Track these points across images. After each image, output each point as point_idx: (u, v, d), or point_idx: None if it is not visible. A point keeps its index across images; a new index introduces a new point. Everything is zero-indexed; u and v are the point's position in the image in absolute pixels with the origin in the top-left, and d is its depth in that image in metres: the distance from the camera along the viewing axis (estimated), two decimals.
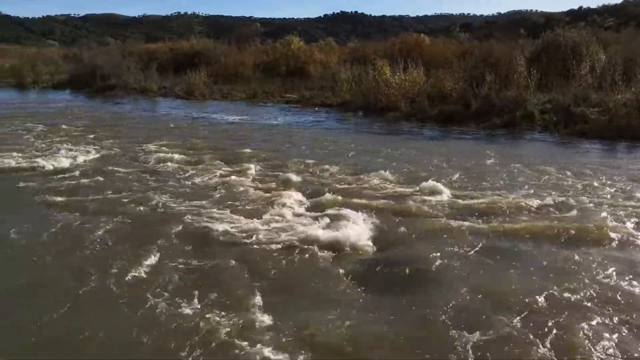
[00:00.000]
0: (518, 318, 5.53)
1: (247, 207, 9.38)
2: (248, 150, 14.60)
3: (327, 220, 8.51)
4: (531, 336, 5.19)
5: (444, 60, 27.40)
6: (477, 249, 7.50)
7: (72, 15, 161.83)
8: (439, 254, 7.26)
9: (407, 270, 6.80)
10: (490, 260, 7.12)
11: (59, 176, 11.56)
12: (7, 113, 22.56)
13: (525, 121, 18.93)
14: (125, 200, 9.76)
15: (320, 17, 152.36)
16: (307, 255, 7.27)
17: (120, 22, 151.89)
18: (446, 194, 10.08)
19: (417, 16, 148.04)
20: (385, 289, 6.34)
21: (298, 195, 9.98)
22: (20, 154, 13.60)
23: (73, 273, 6.62)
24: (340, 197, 9.83)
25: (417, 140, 16.93)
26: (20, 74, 38.05)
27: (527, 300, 5.90)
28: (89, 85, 34.02)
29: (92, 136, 16.72)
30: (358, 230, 8.09)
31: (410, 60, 24.57)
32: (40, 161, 12.74)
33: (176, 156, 13.57)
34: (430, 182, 10.68)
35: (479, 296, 6.04)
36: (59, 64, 42.37)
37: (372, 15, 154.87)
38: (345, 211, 8.90)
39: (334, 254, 7.31)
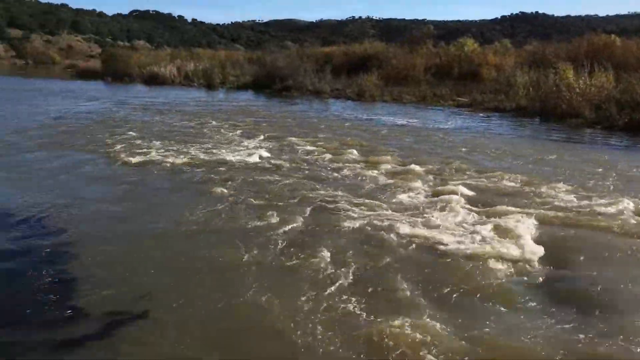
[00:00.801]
0: None
1: (415, 211, 9.47)
2: (418, 154, 14.66)
3: (498, 228, 8.28)
4: None
5: (638, 63, 24.73)
6: None
7: (257, 21, 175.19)
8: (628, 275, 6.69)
9: (595, 290, 6.38)
10: None
11: (240, 169, 12.68)
12: (195, 110, 25.21)
13: None
14: (296, 198, 10.39)
15: (496, 18, 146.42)
16: (475, 264, 7.15)
17: (299, 27, 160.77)
18: (629, 210, 9.21)
19: (607, 15, 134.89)
20: (564, 303, 6.03)
21: (466, 203, 9.82)
22: (202, 147, 15.14)
23: (256, 263, 7.28)
24: (512, 207, 9.48)
25: (601, 151, 15.59)
26: (210, 76, 42.10)
27: None
28: (269, 86, 36.60)
29: (267, 134, 17.98)
30: (531, 242, 7.76)
31: (598, 64, 22.60)
32: (223, 154, 14.12)
33: (349, 156, 14.08)
34: (617, 198, 9.82)
35: None
36: (244, 66, 46.08)
37: (555, 15, 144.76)
38: (517, 221, 8.57)
39: (505, 265, 7.10)
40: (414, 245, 7.86)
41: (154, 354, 5.10)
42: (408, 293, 6.29)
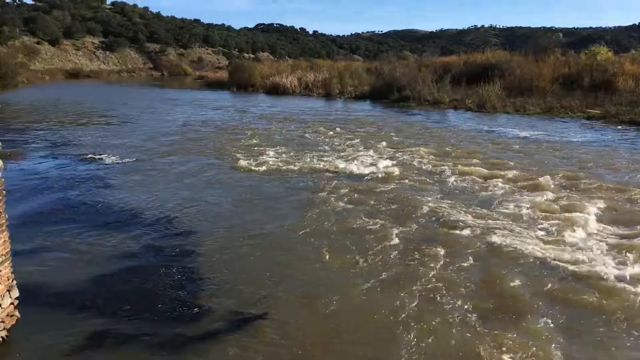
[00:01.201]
0: None
1: (542, 227, 8.91)
2: (545, 167, 13.83)
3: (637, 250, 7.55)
4: None
5: None
6: None
7: (376, 32, 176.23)
8: None
9: None
10: None
11: (355, 177, 12.71)
12: (314, 119, 25.75)
13: None
14: (412, 207, 10.19)
15: (634, 24, 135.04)
16: (610, 288, 6.57)
17: (418, 37, 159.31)
18: None
19: None
20: None
21: (599, 224, 9.06)
22: (319, 155, 15.37)
23: (368, 268, 7.24)
24: None
25: None
26: (329, 86, 42.86)
27: None
28: (386, 96, 36.52)
29: (384, 143, 17.89)
30: None
31: None
32: (339, 162, 14.26)
33: (469, 167, 13.63)
34: None
35: None
36: (362, 76, 46.41)
37: None
38: None
39: None
40: (542, 262, 7.41)
41: (277, 353, 5.29)
42: (538, 312, 5.92)
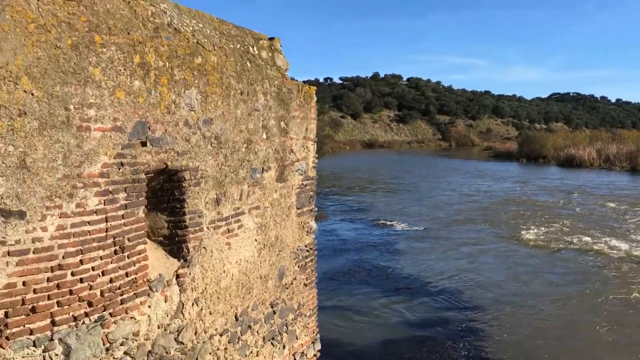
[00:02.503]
0: None
1: None
2: None
3: None
4: None
5: None
6: None
7: None
8: None
9: None
10: None
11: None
12: (610, 195, 22.92)
13: None
14: None
15: None
16: None
17: None
18: None
19: None
20: None
21: None
22: (616, 237, 13.50)
23: None
24: None
25: None
26: (636, 159, 38.15)
27: None
28: None
29: None
30: None
31: None
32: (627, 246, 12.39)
33: None
34: None
35: None
36: None
37: None
38: None
39: None
40: None
41: None
42: None
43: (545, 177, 32.62)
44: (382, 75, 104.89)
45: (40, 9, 2.28)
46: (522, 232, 14.00)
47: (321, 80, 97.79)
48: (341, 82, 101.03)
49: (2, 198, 2.16)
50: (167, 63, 2.93)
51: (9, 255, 2.19)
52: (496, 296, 8.95)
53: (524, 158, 46.83)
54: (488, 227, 15.12)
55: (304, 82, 4.64)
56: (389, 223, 16.35)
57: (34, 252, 2.27)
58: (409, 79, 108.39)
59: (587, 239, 13.51)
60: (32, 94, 2.23)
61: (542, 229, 14.75)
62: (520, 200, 21.44)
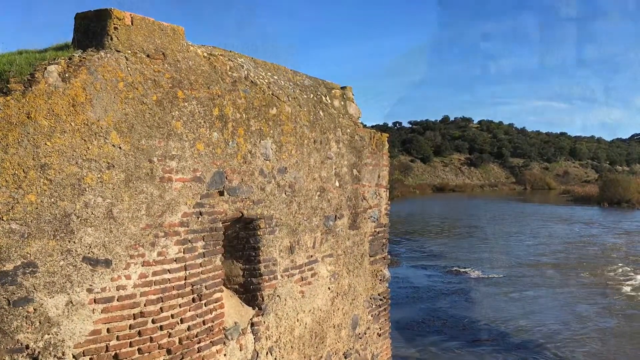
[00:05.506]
0: None
1: None
2: None
3: None
4: None
5: None
6: None
7: None
8: None
9: None
10: None
11: None
12: None
13: None
14: None
15: None
16: None
17: None
18: None
19: None
20: None
21: None
22: None
23: None
24: None
25: None
26: None
27: None
28: None
29: None
30: None
31: None
32: None
33: None
34: None
35: None
36: None
37: None
38: None
39: None
40: None
41: None
42: None
43: (632, 221, 30.75)
44: (451, 119, 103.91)
45: (129, 68, 2.42)
46: (620, 283, 13.16)
47: (390, 124, 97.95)
48: (410, 126, 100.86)
49: (90, 247, 2.26)
50: (244, 115, 3.02)
51: (95, 302, 2.27)
52: (594, 352, 8.36)
53: (606, 202, 44.42)
54: (580, 275, 14.31)
55: (372, 127, 4.66)
56: (462, 270, 15.81)
57: (118, 300, 2.34)
58: (479, 122, 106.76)
59: None
60: (120, 148, 2.36)
61: (631, 280, 13.83)
62: (607, 246, 20.25)
